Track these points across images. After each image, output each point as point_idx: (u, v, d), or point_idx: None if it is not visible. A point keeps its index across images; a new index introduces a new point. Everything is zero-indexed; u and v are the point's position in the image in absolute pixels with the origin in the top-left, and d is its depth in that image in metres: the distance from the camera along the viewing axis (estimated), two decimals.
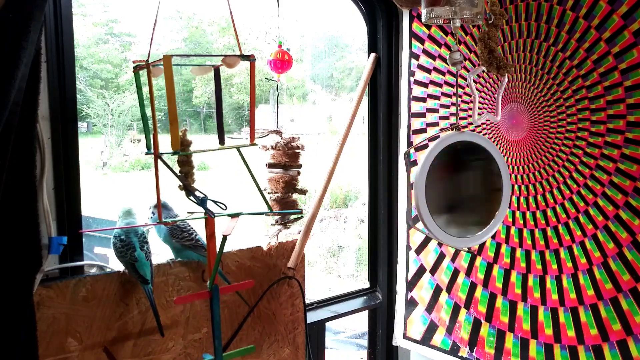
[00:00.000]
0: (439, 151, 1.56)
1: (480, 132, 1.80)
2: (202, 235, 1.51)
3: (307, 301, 1.89)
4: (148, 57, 1.27)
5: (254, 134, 1.36)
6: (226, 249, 1.63)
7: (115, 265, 1.50)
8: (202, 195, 1.35)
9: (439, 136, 1.90)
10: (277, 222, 1.83)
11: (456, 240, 1.55)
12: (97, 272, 1.45)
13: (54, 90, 1.37)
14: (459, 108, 1.84)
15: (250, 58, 1.32)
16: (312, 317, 1.97)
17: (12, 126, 1.08)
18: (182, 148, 1.34)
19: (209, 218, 1.34)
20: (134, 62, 1.31)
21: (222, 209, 1.37)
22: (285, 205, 1.82)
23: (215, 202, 1.36)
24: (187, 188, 1.35)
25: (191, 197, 1.34)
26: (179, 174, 1.37)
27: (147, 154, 1.30)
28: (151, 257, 1.45)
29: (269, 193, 1.83)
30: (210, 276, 1.38)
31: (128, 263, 1.42)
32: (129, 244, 1.43)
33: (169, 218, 1.51)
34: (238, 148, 1.37)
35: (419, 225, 1.99)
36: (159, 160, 1.26)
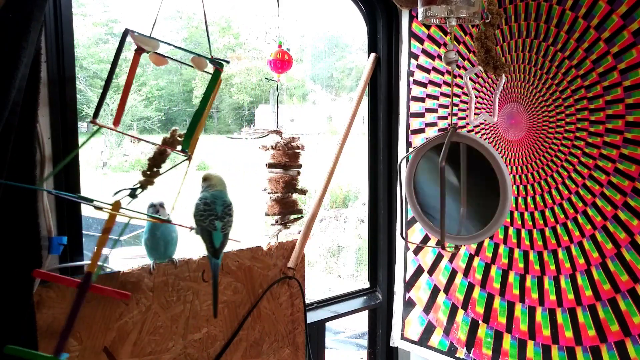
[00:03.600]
0: (426, 150, 1.57)
1: (477, 132, 1.80)
2: None
3: (307, 301, 1.90)
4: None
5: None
6: (226, 249, 1.64)
7: (115, 265, 1.50)
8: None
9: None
10: (277, 222, 1.83)
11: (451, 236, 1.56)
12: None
13: (54, 90, 1.37)
14: (455, 108, 1.85)
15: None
16: (312, 317, 1.97)
17: (12, 126, 1.08)
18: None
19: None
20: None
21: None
22: (285, 205, 1.82)
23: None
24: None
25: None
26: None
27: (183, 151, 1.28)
28: (229, 231, 1.43)
29: (269, 193, 1.83)
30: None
31: (205, 230, 1.40)
32: (213, 210, 1.41)
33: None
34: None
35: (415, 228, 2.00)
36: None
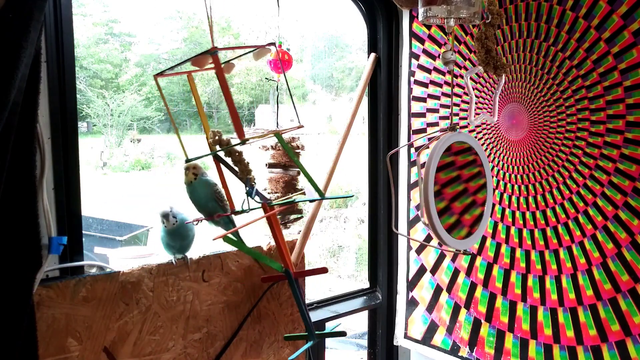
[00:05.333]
0: (441, 152, 1.55)
1: (479, 132, 1.80)
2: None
3: (307, 301, 1.89)
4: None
5: (241, 131, 1.39)
6: (226, 249, 1.64)
7: (115, 265, 1.50)
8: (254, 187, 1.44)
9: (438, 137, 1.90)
10: None
11: (455, 241, 1.54)
12: (97, 272, 1.46)
13: (54, 90, 1.37)
14: (456, 108, 1.85)
15: (211, 51, 1.36)
16: (312, 317, 1.96)
17: (12, 126, 1.08)
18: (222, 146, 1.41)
19: (265, 206, 1.45)
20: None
21: (267, 199, 1.47)
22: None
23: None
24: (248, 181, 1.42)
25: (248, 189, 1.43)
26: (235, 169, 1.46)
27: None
28: None
29: (268, 193, 1.83)
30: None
31: None
32: None
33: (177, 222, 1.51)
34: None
35: (419, 225, 2.00)
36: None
